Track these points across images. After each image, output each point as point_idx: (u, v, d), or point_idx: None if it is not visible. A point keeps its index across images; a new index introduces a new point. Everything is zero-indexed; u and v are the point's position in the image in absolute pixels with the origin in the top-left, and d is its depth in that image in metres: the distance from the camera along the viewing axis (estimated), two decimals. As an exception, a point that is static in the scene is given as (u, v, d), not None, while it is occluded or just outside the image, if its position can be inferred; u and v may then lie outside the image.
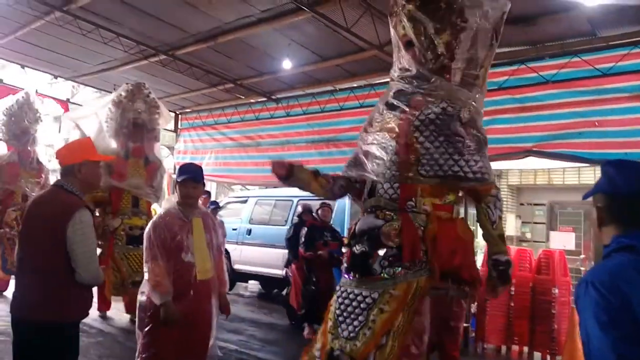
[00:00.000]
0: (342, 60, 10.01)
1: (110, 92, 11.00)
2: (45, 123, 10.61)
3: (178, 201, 4.22)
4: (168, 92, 12.91)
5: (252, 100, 12.88)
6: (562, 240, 10.48)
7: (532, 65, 8.19)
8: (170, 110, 11.58)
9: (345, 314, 3.52)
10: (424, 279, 3.44)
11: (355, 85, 10.96)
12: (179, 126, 14.83)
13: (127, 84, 8.71)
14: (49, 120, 11.48)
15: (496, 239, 3.73)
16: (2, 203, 9.64)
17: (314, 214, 8.98)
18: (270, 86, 12.09)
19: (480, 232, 3.91)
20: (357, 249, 3.66)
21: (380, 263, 3.52)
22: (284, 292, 9.89)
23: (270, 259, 11.13)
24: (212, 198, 12.70)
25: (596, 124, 7.45)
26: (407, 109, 3.73)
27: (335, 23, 8.19)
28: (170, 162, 14.34)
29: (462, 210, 3.99)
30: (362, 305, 3.47)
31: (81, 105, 15.83)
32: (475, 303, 7.90)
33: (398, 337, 3.37)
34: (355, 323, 3.45)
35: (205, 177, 4.52)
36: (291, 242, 8.86)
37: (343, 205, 10.09)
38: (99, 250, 7.70)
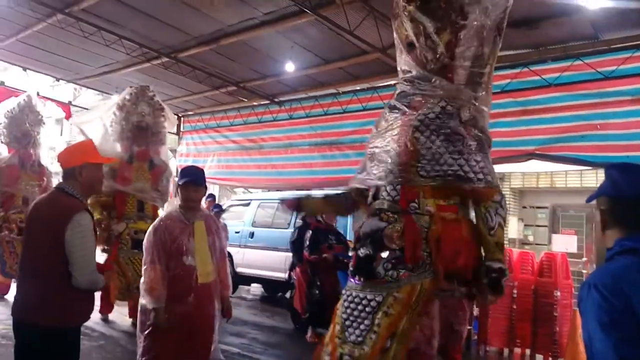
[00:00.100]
0: (345, 63, 10.01)
1: (112, 95, 11.01)
2: (47, 126, 10.58)
3: (180, 204, 4.22)
4: (170, 95, 12.90)
5: (254, 103, 12.89)
6: (565, 243, 10.46)
7: (534, 68, 8.21)
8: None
9: (351, 318, 3.50)
10: (428, 281, 3.41)
11: (358, 88, 10.97)
12: (181, 129, 14.84)
13: (131, 87, 8.65)
14: (51, 123, 11.48)
15: (492, 245, 3.55)
16: (2, 206, 9.58)
17: (318, 217, 8.96)
18: (273, 89, 12.09)
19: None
20: (362, 252, 3.64)
21: (383, 266, 3.49)
22: (287, 295, 9.86)
23: (272, 262, 11.13)
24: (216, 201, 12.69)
25: (598, 127, 7.46)
26: (407, 110, 3.72)
27: (338, 26, 8.20)
28: (172, 165, 14.33)
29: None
30: (367, 309, 3.45)
31: (83, 108, 15.88)
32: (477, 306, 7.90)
33: (403, 340, 3.35)
34: (362, 327, 3.43)
35: (207, 180, 4.52)
36: (295, 245, 8.79)
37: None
38: (104, 255, 7.72)
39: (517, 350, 7.95)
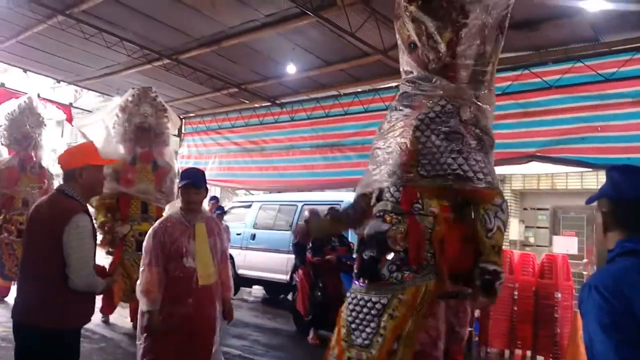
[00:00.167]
0: (346, 65, 10.01)
1: (113, 97, 10.99)
2: (48, 128, 10.58)
3: (181, 206, 4.23)
4: (172, 97, 12.87)
5: (256, 105, 12.88)
6: (565, 244, 10.45)
7: (535, 70, 8.22)
8: (174, 115, 11.61)
9: (357, 321, 3.50)
10: (433, 283, 3.40)
11: (359, 90, 10.96)
12: (183, 131, 14.81)
13: (133, 88, 8.59)
14: (52, 125, 11.47)
15: (488, 247, 3.46)
16: (2, 208, 9.55)
17: None
18: (274, 91, 12.10)
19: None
20: (366, 254, 3.63)
21: (388, 268, 3.48)
22: (289, 297, 9.84)
23: (274, 264, 11.14)
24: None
25: (599, 129, 7.46)
26: (409, 111, 3.73)
27: (340, 28, 8.20)
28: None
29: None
30: (372, 312, 3.44)
31: (84, 110, 15.93)
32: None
33: (409, 342, 3.34)
34: (368, 330, 3.42)
35: (208, 181, 4.52)
36: (298, 247, 8.81)
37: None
38: (109, 258, 7.69)
39: (518, 351, 7.95)
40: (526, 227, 14.15)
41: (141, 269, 4.07)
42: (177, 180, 8.51)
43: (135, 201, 8.08)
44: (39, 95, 11.10)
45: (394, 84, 9.54)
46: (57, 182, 7.69)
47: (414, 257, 3.43)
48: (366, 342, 3.40)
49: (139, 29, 9.59)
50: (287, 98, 12.29)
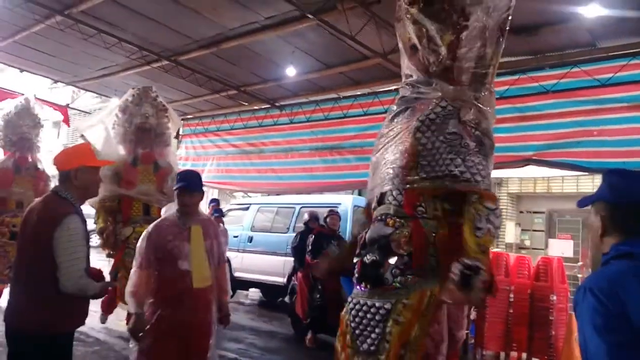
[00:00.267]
0: (346, 68, 10.02)
1: (111, 98, 10.94)
2: (45, 129, 10.44)
3: (177, 209, 4.24)
4: (170, 98, 12.73)
5: (255, 107, 12.86)
6: (561, 247, 10.51)
7: (532, 75, 8.24)
8: (172, 116, 11.58)
9: (361, 327, 3.42)
10: (438, 287, 3.30)
11: (359, 93, 10.96)
12: (181, 132, 14.76)
13: (133, 88, 8.43)
14: (48, 126, 11.38)
15: (474, 245, 3.21)
16: None
17: (321, 221, 8.97)
18: (273, 93, 12.08)
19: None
20: (368, 258, 3.54)
21: (391, 272, 3.40)
22: (286, 300, 9.84)
23: (271, 267, 11.14)
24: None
25: (595, 133, 7.49)
26: (407, 113, 3.73)
27: (340, 31, 8.21)
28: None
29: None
30: (377, 317, 3.36)
31: (81, 111, 15.88)
32: (474, 310, 7.91)
33: (415, 348, 3.28)
34: (373, 336, 3.35)
35: (206, 184, 4.52)
36: (297, 250, 8.81)
37: (345, 213, 10.12)
38: (110, 260, 7.63)
39: (514, 354, 7.98)
40: (522, 230, 14.21)
41: (132, 270, 4.07)
42: (174, 183, 8.45)
43: (137, 203, 7.92)
44: (35, 96, 11.02)
45: (393, 87, 9.55)
46: (54, 184, 7.61)
47: (418, 261, 3.37)
48: (372, 348, 3.33)
49: (138, 30, 9.58)
50: (286, 100, 12.27)
